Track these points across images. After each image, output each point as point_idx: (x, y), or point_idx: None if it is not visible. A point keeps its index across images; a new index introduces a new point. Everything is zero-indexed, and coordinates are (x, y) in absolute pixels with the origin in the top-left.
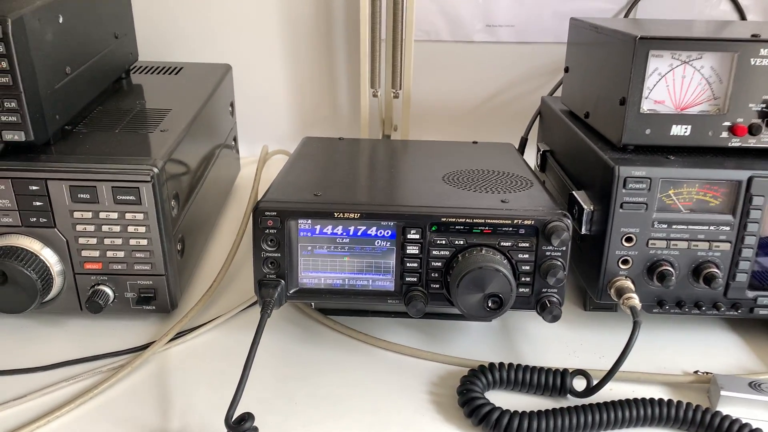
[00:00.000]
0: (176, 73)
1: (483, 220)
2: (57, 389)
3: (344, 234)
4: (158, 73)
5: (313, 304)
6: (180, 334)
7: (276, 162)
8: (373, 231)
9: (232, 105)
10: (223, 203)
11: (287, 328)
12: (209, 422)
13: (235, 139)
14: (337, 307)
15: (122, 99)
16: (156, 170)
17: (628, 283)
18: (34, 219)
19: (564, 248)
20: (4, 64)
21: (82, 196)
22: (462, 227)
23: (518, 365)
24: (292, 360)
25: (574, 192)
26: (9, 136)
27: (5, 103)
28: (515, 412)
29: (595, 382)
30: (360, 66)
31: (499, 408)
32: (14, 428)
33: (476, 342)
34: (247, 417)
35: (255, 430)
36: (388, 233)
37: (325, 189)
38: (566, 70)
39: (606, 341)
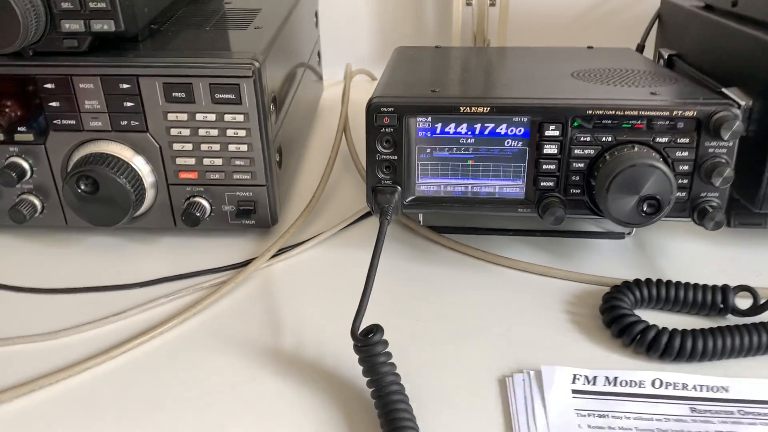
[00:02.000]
0: None
1: (636, 113)
2: (157, 305)
3: (469, 133)
4: None
5: (421, 220)
6: (281, 251)
7: (358, 83)
8: (503, 129)
9: (316, 15)
10: (310, 124)
11: (394, 247)
12: (327, 338)
13: (319, 54)
14: (450, 224)
15: (206, 2)
16: (257, 64)
17: None
18: (125, 122)
19: (732, 143)
20: None
21: (176, 95)
22: (610, 122)
23: (668, 281)
24: (407, 279)
25: (724, 89)
26: (98, 26)
27: None
28: (675, 330)
29: (762, 300)
30: None
31: (655, 326)
32: (115, 344)
33: (609, 260)
34: (375, 329)
35: (385, 344)
36: (520, 131)
37: (442, 86)
38: None
39: (759, 258)
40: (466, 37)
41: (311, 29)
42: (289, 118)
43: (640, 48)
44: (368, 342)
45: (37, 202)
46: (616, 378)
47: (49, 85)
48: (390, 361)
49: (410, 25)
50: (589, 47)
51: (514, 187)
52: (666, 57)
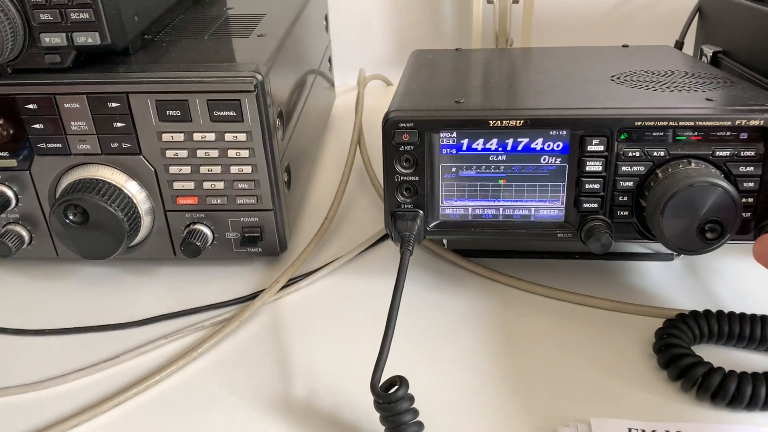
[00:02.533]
0: None
1: (692, 123)
2: (154, 348)
3: (500, 149)
4: None
5: (445, 243)
6: (292, 281)
7: (372, 89)
8: (538, 144)
9: (326, 18)
10: (322, 135)
11: (417, 274)
12: (344, 385)
13: (330, 60)
14: (478, 247)
15: (206, 7)
16: (260, 77)
17: None
18: (116, 145)
19: None
20: None
21: (171, 113)
22: (662, 134)
23: (731, 313)
24: (432, 312)
25: None
26: (81, 39)
27: None
28: (744, 373)
29: None
30: None
31: (721, 368)
32: (107, 395)
33: (657, 286)
34: (399, 382)
35: (410, 399)
36: (558, 146)
37: (467, 96)
38: None
39: None
40: (487, 37)
41: (321, 33)
42: (298, 132)
43: (679, 45)
44: (390, 399)
45: (24, 232)
46: None
47: (31, 106)
48: (416, 419)
49: (427, 25)
50: (625, 46)
51: (551, 209)
52: (710, 55)
